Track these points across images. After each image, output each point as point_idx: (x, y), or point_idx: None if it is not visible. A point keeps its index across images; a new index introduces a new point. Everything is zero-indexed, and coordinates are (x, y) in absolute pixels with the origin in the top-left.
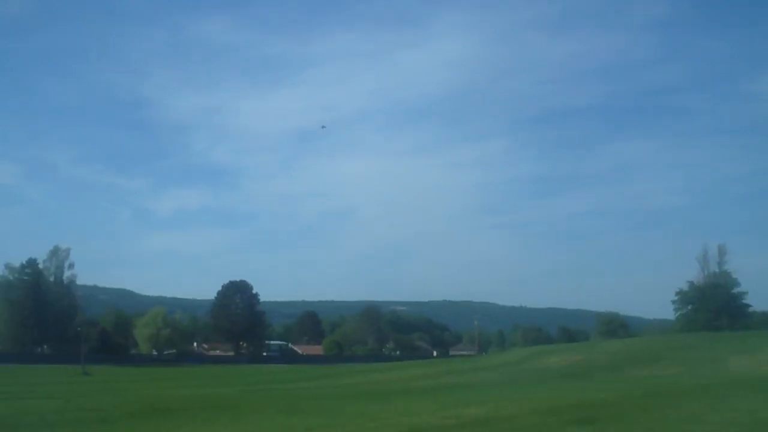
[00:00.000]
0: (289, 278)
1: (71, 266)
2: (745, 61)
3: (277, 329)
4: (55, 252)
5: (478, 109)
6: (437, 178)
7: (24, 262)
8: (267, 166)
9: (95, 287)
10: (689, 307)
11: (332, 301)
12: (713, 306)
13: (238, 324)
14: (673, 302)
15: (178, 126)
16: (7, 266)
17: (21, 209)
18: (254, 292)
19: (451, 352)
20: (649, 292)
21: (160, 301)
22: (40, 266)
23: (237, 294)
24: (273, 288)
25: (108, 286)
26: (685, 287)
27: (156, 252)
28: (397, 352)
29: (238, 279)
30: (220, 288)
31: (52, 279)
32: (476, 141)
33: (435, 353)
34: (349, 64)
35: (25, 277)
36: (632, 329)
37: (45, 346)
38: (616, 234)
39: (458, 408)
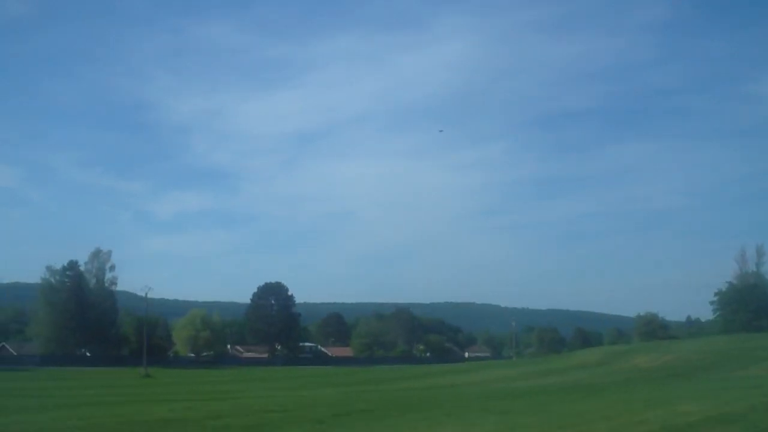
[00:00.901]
0: (289, 280)
1: (112, 268)
2: (745, 62)
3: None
4: (96, 254)
5: (479, 111)
6: (438, 180)
7: (65, 265)
8: (268, 168)
9: None
10: (727, 308)
11: (334, 303)
12: (753, 306)
13: (274, 326)
14: (712, 303)
15: (179, 128)
16: (49, 268)
17: (22, 212)
18: (289, 293)
19: (468, 354)
20: (651, 293)
21: (163, 303)
22: (81, 268)
23: (272, 296)
24: None
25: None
26: (723, 287)
27: (157, 254)
28: (427, 354)
29: (273, 281)
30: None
31: (93, 281)
32: (477, 143)
33: (467, 355)
34: (350, 66)
35: (66, 280)
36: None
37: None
38: (617, 236)
39: (673, 405)
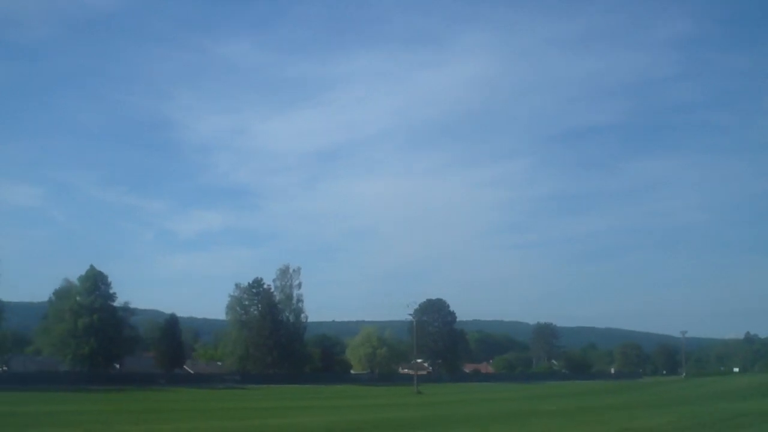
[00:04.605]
0: (311, 297)
1: (300, 285)
2: None
3: None
4: (285, 271)
5: (499, 127)
6: (458, 197)
7: (251, 282)
8: (289, 186)
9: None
10: None
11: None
12: None
13: (439, 342)
14: None
15: (200, 147)
16: (238, 286)
17: (45, 231)
18: (451, 309)
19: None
20: (679, 310)
21: (192, 321)
22: (266, 286)
23: (434, 312)
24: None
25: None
26: None
27: (179, 273)
28: (564, 371)
29: (434, 297)
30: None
31: (279, 298)
32: (497, 160)
33: (612, 370)
34: (371, 84)
35: (255, 298)
36: (696, 350)
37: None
38: (639, 252)
39: None
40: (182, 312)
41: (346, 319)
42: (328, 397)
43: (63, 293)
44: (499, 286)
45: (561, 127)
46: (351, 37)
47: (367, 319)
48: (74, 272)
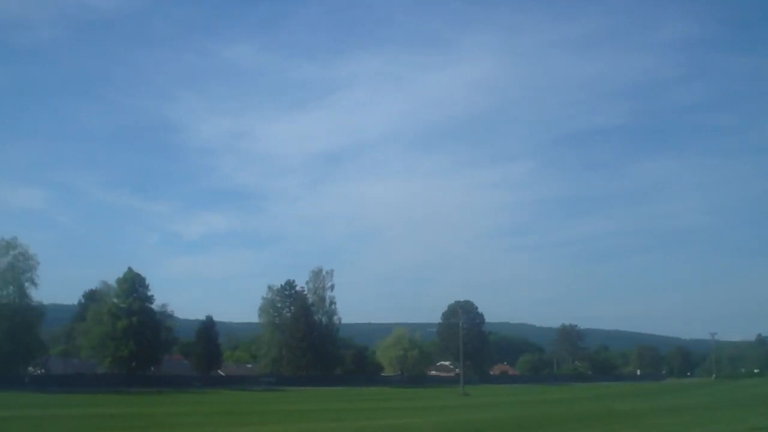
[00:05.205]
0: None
1: (332, 287)
2: None
3: None
4: (318, 273)
5: (504, 130)
6: (463, 199)
7: (283, 284)
8: (293, 188)
9: None
10: None
11: (367, 324)
12: None
13: (468, 344)
14: None
15: (205, 149)
16: (270, 288)
17: (50, 234)
18: (479, 311)
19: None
20: (683, 312)
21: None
22: (299, 288)
23: (463, 314)
24: None
25: None
26: None
27: (184, 274)
28: (589, 372)
29: (462, 299)
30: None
31: (312, 300)
32: (502, 162)
33: (638, 372)
34: (375, 86)
35: (287, 300)
36: (708, 352)
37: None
38: (643, 254)
39: None
40: (187, 314)
41: (350, 321)
42: (379, 399)
43: (99, 295)
44: (503, 289)
45: (565, 129)
46: (355, 40)
47: (374, 321)
48: (77, 273)
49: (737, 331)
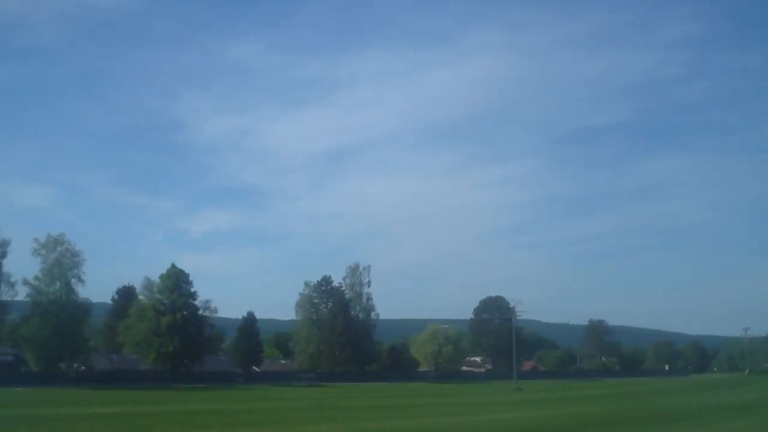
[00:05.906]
0: None
1: (369, 284)
2: None
3: None
4: (354, 269)
5: (508, 128)
6: (467, 197)
7: (320, 279)
8: (297, 186)
9: None
10: None
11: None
12: None
13: (500, 340)
14: None
15: (209, 148)
16: (307, 284)
17: (55, 233)
18: (510, 306)
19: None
20: (689, 309)
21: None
22: (337, 284)
23: (495, 310)
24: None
25: None
26: None
27: (191, 271)
28: (617, 368)
29: (494, 295)
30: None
31: (349, 296)
32: (506, 160)
33: (667, 367)
34: (379, 84)
35: (324, 296)
36: (722, 348)
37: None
38: (647, 252)
39: None
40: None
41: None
42: (433, 395)
43: (144, 292)
44: (508, 286)
45: (569, 127)
46: (359, 38)
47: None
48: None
49: (737, 329)
